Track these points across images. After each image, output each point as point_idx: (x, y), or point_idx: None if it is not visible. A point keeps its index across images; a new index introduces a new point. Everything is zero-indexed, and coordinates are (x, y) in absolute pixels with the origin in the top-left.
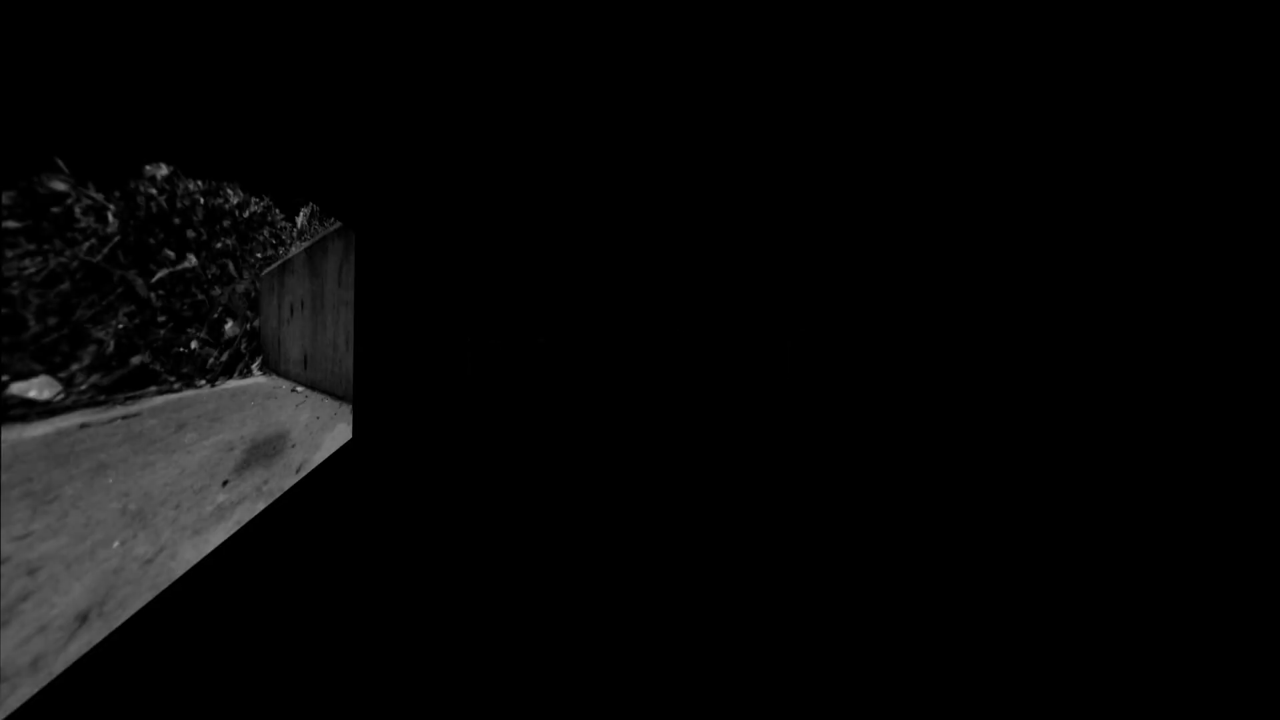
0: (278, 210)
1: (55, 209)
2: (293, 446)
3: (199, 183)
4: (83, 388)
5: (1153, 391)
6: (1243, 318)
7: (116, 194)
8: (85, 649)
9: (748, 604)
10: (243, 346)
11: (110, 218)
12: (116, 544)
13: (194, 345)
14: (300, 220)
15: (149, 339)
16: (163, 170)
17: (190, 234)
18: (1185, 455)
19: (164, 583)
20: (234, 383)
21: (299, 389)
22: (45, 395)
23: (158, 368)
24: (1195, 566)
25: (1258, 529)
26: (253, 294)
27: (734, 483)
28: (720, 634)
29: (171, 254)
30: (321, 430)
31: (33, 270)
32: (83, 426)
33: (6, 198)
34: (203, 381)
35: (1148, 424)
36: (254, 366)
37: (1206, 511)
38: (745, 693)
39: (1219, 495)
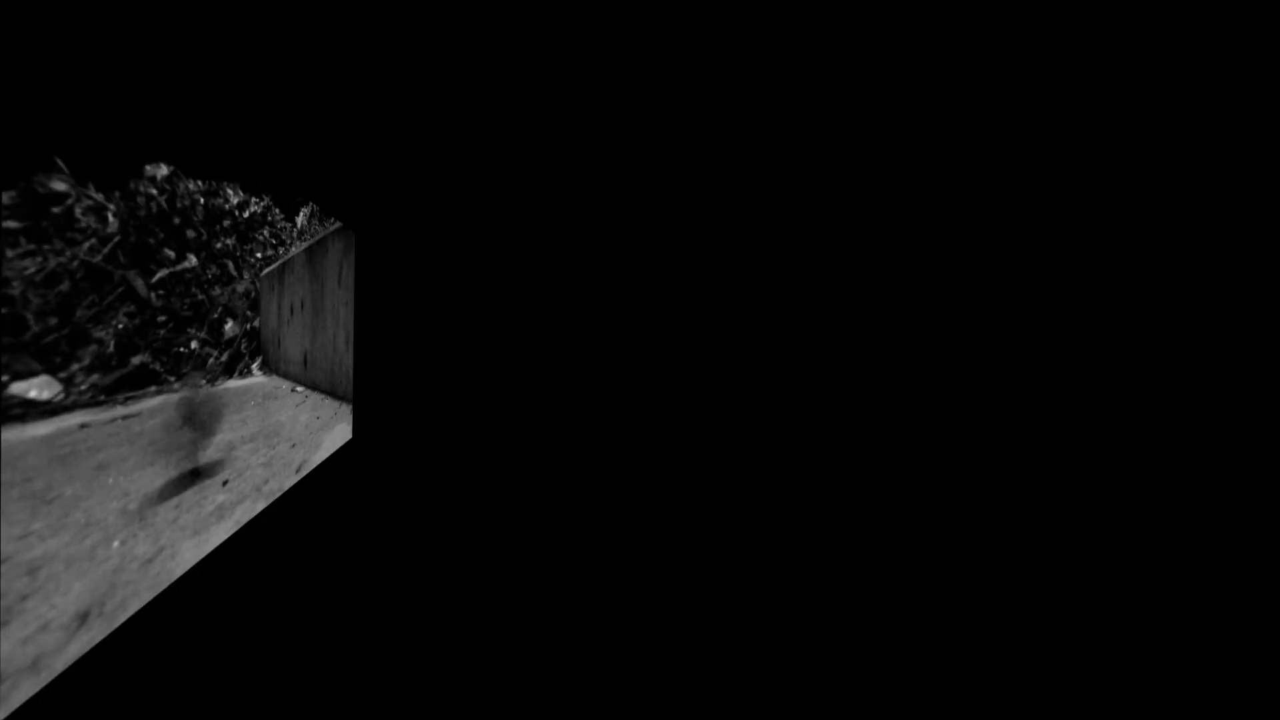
0: (278, 210)
1: (55, 209)
2: (293, 446)
3: (199, 183)
4: (83, 388)
5: (1154, 389)
6: (1243, 318)
7: (116, 194)
8: (85, 649)
9: (752, 602)
10: (243, 346)
11: (110, 218)
12: (116, 544)
13: (194, 345)
14: (300, 220)
15: (149, 339)
16: (163, 170)
17: (190, 234)
18: (1184, 455)
19: (164, 583)
20: (234, 383)
21: (299, 389)
22: (45, 395)
23: (158, 368)
24: (1195, 566)
25: (1257, 529)
26: (253, 294)
27: (735, 475)
28: (730, 632)
29: (171, 254)
30: (321, 430)
31: (33, 270)
32: (83, 426)
33: (6, 198)
34: (203, 381)
35: (1147, 421)
36: (254, 366)
37: (1206, 512)
38: (744, 693)
39: (1219, 495)
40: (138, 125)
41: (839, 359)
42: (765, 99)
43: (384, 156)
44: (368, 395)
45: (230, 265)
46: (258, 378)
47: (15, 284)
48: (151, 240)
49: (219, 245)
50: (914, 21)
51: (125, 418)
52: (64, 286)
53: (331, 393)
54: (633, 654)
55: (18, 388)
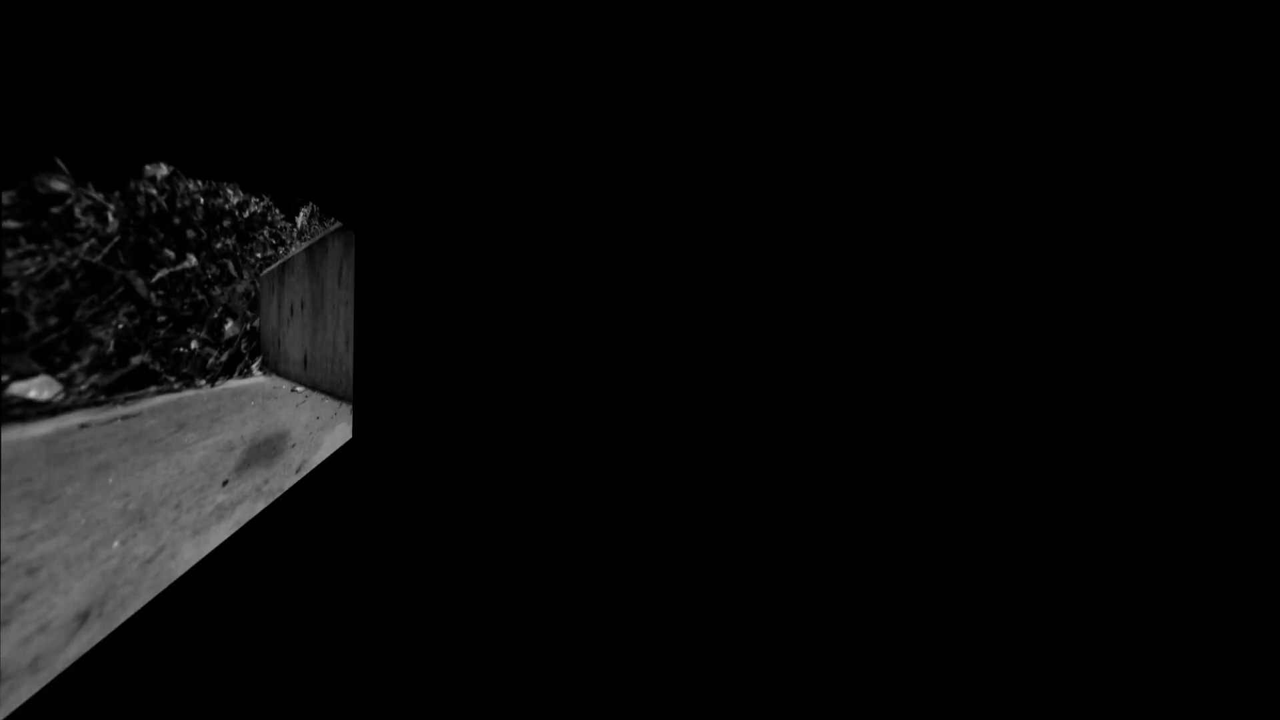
0: (278, 210)
1: (55, 209)
2: (293, 446)
3: (199, 183)
4: (83, 388)
5: (1153, 390)
6: (1243, 318)
7: (116, 194)
8: (85, 649)
9: (758, 599)
10: (243, 346)
11: (110, 218)
12: (116, 544)
13: (194, 345)
14: (300, 220)
15: (149, 339)
16: (163, 170)
17: (190, 234)
18: (1184, 455)
19: (164, 583)
20: (234, 383)
21: (299, 389)
22: (45, 395)
23: (158, 368)
24: (1195, 567)
25: (1258, 529)
26: (253, 294)
27: (738, 471)
28: (735, 632)
29: (171, 254)
30: (321, 430)
31: (33, 270)
32: (83, 426)
33: (6, 198)
34: (203, 381)
35: (1147, 422)
36: (254, 366)
37: (1207, 512)
38: (744, 693)
39: (1219, 495)
40: (138, 125)
41: (839, 359)
42: (764, 99)
43: (384, 156)
44: (368, 395)
45: (230, 265)
46: (258, 378)
47: (15, 284)
48: (151, 240)
49: (219, 245)
50: (913, 21)
51: (125, 418)
52: (64, 286)
53: (331, 393)
54: (633, 654)
55: (18, 388)
